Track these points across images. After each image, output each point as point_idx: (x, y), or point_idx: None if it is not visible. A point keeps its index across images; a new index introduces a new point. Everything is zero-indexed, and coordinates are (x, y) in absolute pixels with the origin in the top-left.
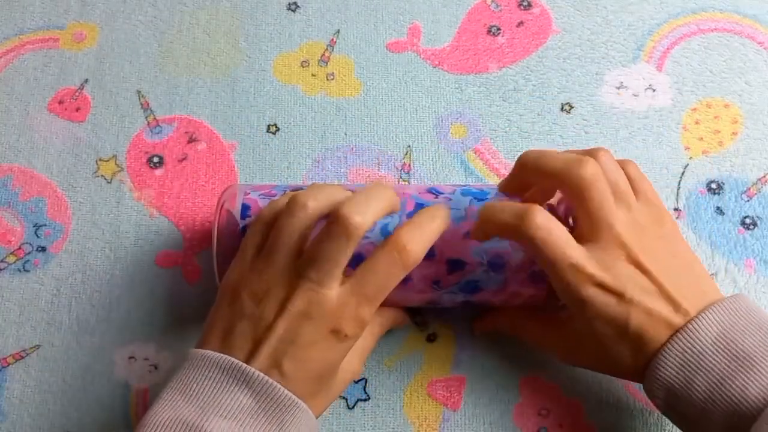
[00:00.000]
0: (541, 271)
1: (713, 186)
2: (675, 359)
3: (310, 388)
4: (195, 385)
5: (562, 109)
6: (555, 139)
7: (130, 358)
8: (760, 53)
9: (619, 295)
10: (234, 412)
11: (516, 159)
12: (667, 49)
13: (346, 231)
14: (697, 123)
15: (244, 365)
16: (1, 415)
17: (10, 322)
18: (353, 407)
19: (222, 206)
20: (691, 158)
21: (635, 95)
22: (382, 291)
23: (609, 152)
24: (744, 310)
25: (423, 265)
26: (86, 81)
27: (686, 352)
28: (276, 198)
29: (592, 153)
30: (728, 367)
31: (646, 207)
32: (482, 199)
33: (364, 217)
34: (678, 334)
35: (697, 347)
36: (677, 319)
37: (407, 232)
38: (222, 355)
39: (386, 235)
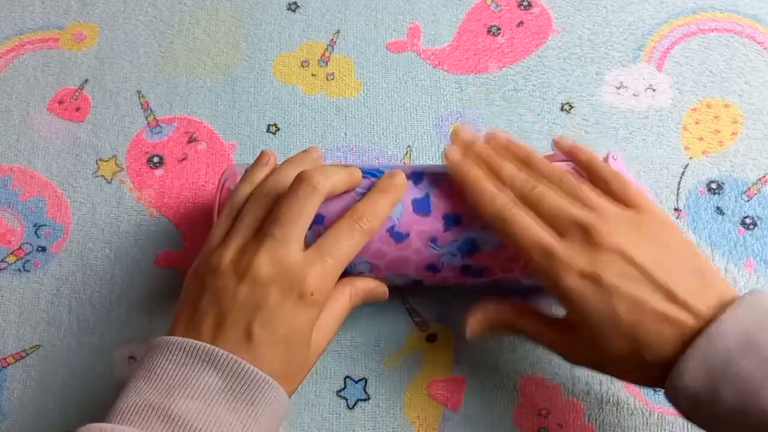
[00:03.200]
0: None
1: (713, 186)
2: (699, 367)
3: (280, 360)
4: (159, 370)
5: (562, 109)
6: None
7: (130, 357)
8: (760, 53)
9: (596, 280)
10: (201, 392)
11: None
12: (667, 49)
13: (309, 188)
14: (697, 123)
15: (208, 345)
16: (1, 415)
17: (10, 322)
18: (353, 407)
19: (224, 185)
20: (691, 158)
21: (635, 95)
22: (345, 251)
23: (546, 164)
24: (766, 307)
25: (419, 221)
26: (86, 81)
27: (710, 358)
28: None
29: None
30: (758, 372)
31: (637, 209)
32: None
33: (326, 179)
34: (700, 338)
35: (722, 353)
36: (685, 318)
37: (364, 203)
38: (185, 338)
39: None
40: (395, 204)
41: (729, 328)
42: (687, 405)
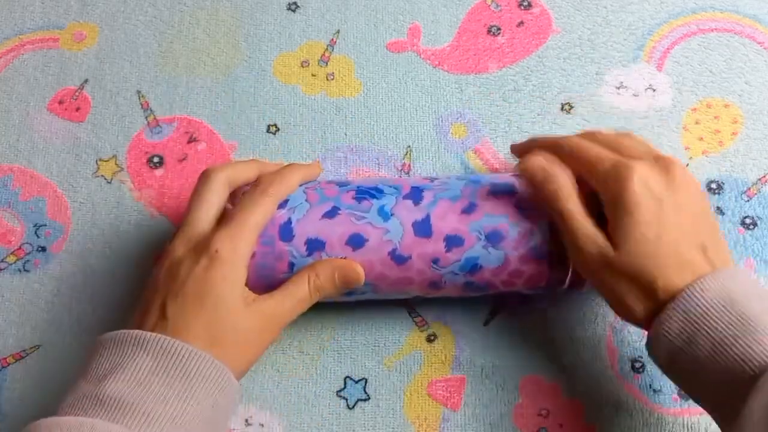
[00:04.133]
0: (541, 246)
1: (713, 186)
2: (679, 318)
3: (200, 326)
4: (93, 364)
5: (562, 109)
6: None
7: None
8: (760, 53)
9: (662, 194)
10: (134, 374)
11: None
12: (667, 49)
13: (203, 177)
14: (697, 123)
15: (134, 330)
16: (1, 415)
17: (10, 322)
18: (353, 407)
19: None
20: (691, 158)
21: (635, 95)
22: (251, 215)
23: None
24: (746, 278)
25: (421, 242)
26: (86, 81)
27: (690, 311)
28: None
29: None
30: (732, 326)
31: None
32: (476, 182)
33: (221, 169)
34: (682, 293)
35: (702, 306)
36: (705, 271)
37: (271, 174)
38: (114, 332)
39: (383, 215)
40: (306, 179)
41: (710, 286)
42: (666, 355)
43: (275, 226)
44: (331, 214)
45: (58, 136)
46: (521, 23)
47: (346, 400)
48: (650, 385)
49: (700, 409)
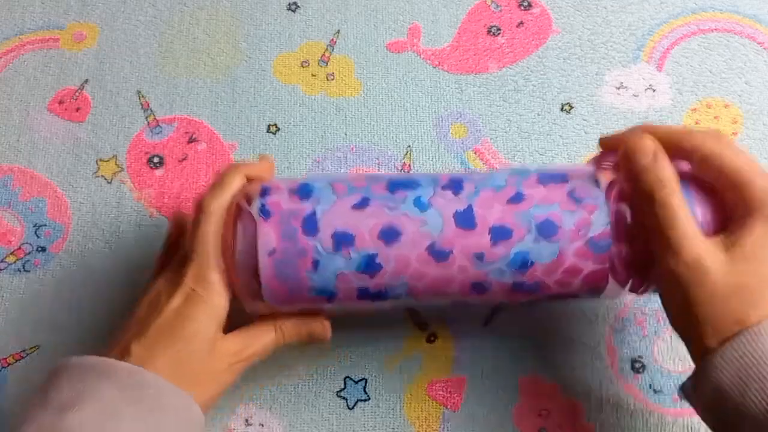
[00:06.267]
0: (601, 239)
1: None
2: (733, 360)
3: (168, 362)
4: (54, 392)
5: (562, 109)
6: (555, 139)
7: None
8: (760, 53)
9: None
10: (99, 406)
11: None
12: (667, 49)
13: (202, 215)
14: (697, 123)
15: (101, 358)
16: (1, 415)
17: (10, 322)
18: (353, 407)
19: (237, 205)
20: None
21: (635, 95)
22: (207, 244)
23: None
24: None
25: (463, 235)
26: (86, 81)
27: (745, 356)
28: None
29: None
30: None
31: None
32: (522, 172)
33: (219, 200)
34: (739, 335)
35: (758, 352)
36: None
37: (207, 191)
38: (81, 357)
39: (420, 205)
40: (251, 177)
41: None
42: (710, 398)
43: (298, 219)
44: (362, 205)
45: (58, 136)
46: (521, 23)
47: (346, 400)
48: (650, 385)
49: None
